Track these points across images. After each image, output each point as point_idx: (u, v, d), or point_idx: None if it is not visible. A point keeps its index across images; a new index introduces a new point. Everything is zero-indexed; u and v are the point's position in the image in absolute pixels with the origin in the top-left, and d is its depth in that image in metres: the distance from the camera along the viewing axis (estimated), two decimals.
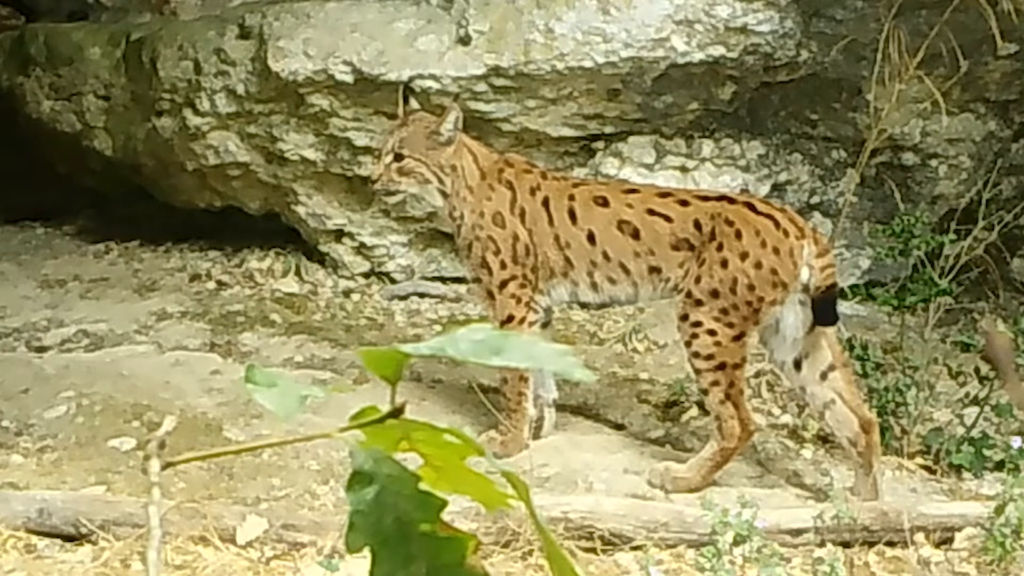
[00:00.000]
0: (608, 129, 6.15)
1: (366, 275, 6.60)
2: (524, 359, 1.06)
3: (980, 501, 4.53)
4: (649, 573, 4.07)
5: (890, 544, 4.29)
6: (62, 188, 7.54)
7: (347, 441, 1.07)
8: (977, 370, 5.08)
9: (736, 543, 4.08)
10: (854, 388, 4.80)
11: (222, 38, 6.49)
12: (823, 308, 4.66)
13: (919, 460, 5.04)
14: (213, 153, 6.60)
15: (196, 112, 6.54)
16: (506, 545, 4.11)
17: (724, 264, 4.67)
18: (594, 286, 4.89)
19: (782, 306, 4.65)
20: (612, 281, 4.87)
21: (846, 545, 4.29)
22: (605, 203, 4.88)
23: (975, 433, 5.03)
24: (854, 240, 6.37)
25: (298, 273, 6.64)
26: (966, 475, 4.94)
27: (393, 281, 6.53)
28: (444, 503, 1.06)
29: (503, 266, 4.91)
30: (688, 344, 4.71)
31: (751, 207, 4.78)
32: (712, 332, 4.65)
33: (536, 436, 4.96)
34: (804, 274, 4.64)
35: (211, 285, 6.58)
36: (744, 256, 4.67)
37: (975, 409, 5.04)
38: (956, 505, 4.52)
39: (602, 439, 5.06)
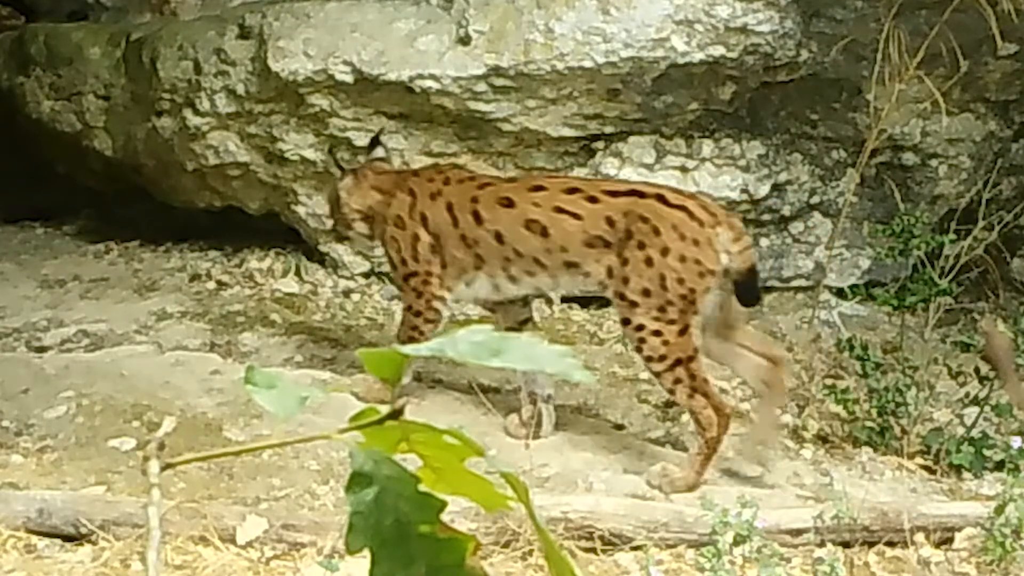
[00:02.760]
0: (608, 129, 6.15)
1: (366, 275, 6.60)
2: (523, 361, 1.06)
3: (980, 501, 4.53)
4: (649, 573, 4.07)
5: (890, 544, 4.29)
6: (62, 188, 7.54)
7: (347, 442, 1.08)
8: (977, 370, 5.08)
9: (736, 543, 4.08)
10: (754, 332, 4.98)
11: (222, 38, 6.49)
12: (746, 289, 4.75)
13: (919, 460, 5.05)
14: (213, 153, 6.60)
15: (196, 112, 6.55)
16: (506, 545, 4.11)
17: (649, 263, 4.72)
18: (512, 279, 5.02)
19: (715, 292, 4.72)
20: (530, 274, 4.98)
21: (846, 545, 4.29)
22: (510, 203, 4.99)
23: (975, 433, 5.03)
24: (854, 240, 6.36)
25: (298, 273, 6.64)
26: (966, 475, 4.94)
27: (393, 281, 6.53)
28: (444, 504, 1.06)
29: (404, 262, 5.20)
30: (639, 350, 4.77)
31: (662, 200, 4.81)
32: (657, 333, 4.69)
33: (536, 435, 4.96)
34: (724, 259, 4.71)
35: (211, 285, 6.58)
36: (666, 252, 4.71)
37: (975, 409, 5.04)
38: (956, 505, 4.51)
39: (602, 439, 5.06)
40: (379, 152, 5.51)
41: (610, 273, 4.80)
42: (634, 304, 4.72)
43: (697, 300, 4.70)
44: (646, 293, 4.71)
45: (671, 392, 4.77)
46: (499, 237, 5.00)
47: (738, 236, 4.76)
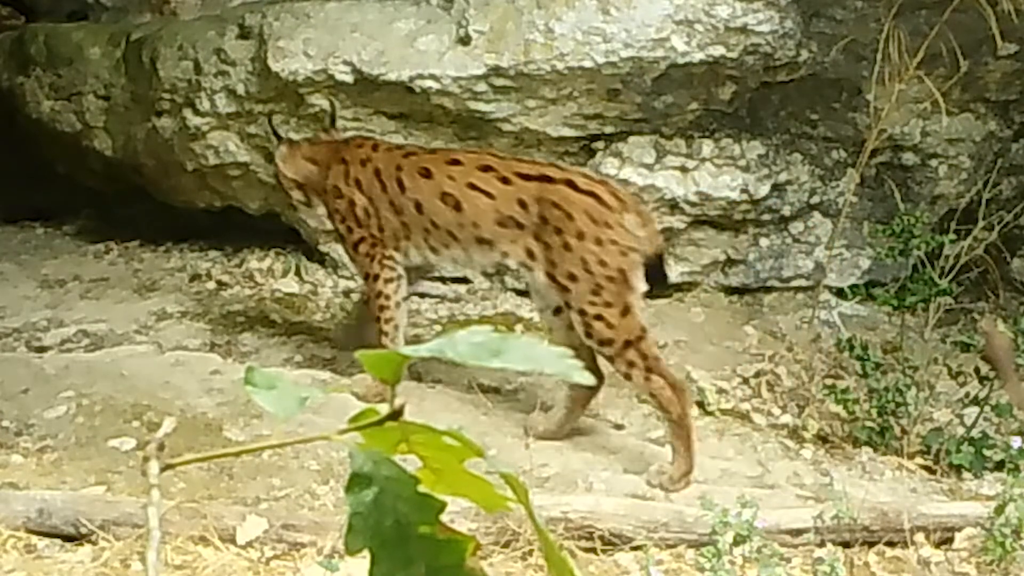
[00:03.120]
0: (608, 129, 6.15)
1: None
2: (523, 361, 1.06)
3: (980, 501, 4.53)
4: (649, 573, 4.07)
5: (890, 544, 4.29)
6: (62, 188, 7.54)
7: (346, 443, 1.08)
8: (977, 370, 5.08)
9: (736, 543, 4.08)
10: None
11: (222, 38, 6.49)
12: (653, 271, 4.84)
13: (919, 460, 5.05)
14: (213, 153, 6.60)
15: (196, 112, 6.55)
16: (506, 545, 4.11)
17: (567, 248, 4.81)
18: (433, 250, 5.18)
19: (640, 268, 4.78)
20: (446, 246, 5.13)
21: (846, 545, 4.29)
22: (428, 174, 5.15)
23: (975, 433, 5.03)
24: (854, 240, 6.36)
25: (298, 273, 6.64)
26: (966, 475, 4.94)
27: None
28: (443, 505, 1.06)
29: (350, 230, 5.34)
30: (588, 336, 4.80)
31: (572, 185, 4.90)
32: (599, 317, 4.76)
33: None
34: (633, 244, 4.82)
35: (211, 285, 6.58)
36: (581, 236, 4.80)
37: (975, 409, 5.04)
38: (956, 505, 4.52)
39: (602, 439, 5.06)
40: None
41: (531, 255, 4.90)
42: (565, 289, 4.82)
43: (629, 279, 4.77)
44: (572, 278, 4.79)
45: (627, 377, 4.80)
46: (419, 207, 5.15)
47: (646, 222, 4.87)
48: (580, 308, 4.79)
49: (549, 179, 4.93)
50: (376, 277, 5.28)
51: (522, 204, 4.91)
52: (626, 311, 4.75)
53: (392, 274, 5.27)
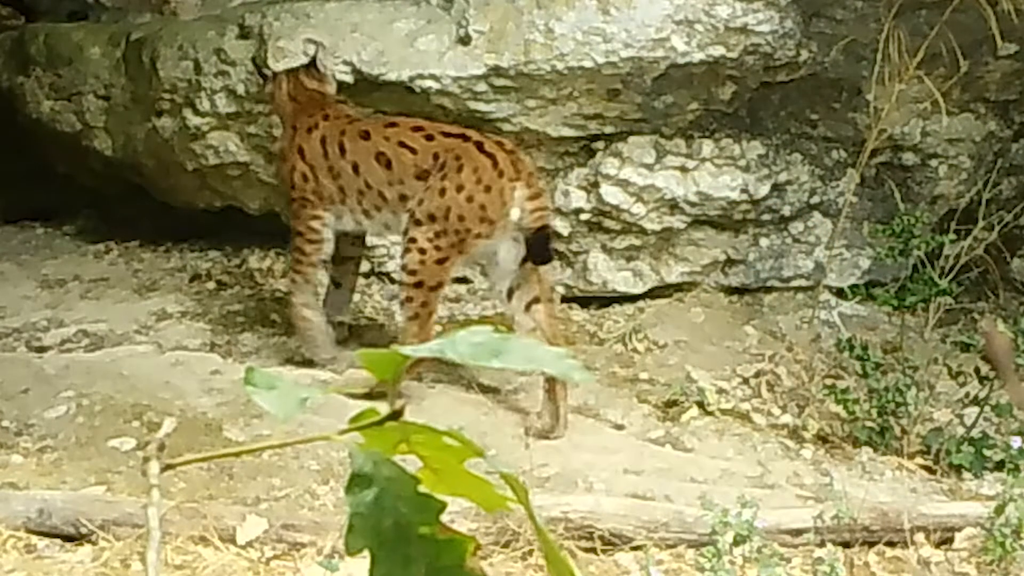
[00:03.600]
0: (608, 129, 6.15)
1: (366, 275, 6.59)
2: (523, 361, 1.06)
3: (980, 501, 4.53)
4: (649, 573, 4.08)
5: (890, 544, 4.29)
6: (62, 188, 7.53)
7: (346, 443, 1.08)
8: (977, 370, 5.08)
9: (736, 543, 4.08)
10: (554, 321, 5.33)
11: (222, 38, 6.49)
12: (536, 247, 5.09)
13: (919, 460, 5.05)
14: (213, 153, 6.60)
15: (196, 112, 6.54)
16: (506, 545, 4.11)
17: (442, 193, 5.17)
18: (366, 213, 5.47)
19: (490, 240, 5.13)
20: (377, 208, 5.42)
21: (846, 545, 4.29)
22: (367, 136, 5.47)
23: (975, 433, 5.03)
24: (854, 240, 6.36)
25: None
26: (966, 475, 4.94)
27: (393, 281, 6.52)
28: (443, 505, 1.06)
29: (291, 191, 5.63)
30: (402, 256, 5.24)
31: (479, 146, 5.25)
32: (422, 251, 5.15)
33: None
34: (515, 214, 5.10)
35: (211, 285, 6.58)
36: (460, 189, 5.15)
37: (975, 409, 5.04)
38: (956, 505, 4.52)
39: (602, 439, 5.06)
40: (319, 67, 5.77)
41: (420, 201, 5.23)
42: (418, 223, 5.17)
43: (467, 241, 5.14)
44: (431, 218, 5.16)
45: (401, 304, 5.24)
46: (356, 168, 5.44)
47: (534, 195, 5.14)
48: (413, 236, 5.15)
49: (465, 138, 5.30)
50: (300, 234, 5.59)
51: (436, 157, 5.26)
52: (443, 261, 5.13)
53: (315, 236, 5.55)
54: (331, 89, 5.75)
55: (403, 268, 5.21)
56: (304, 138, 5.62)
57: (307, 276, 5.61)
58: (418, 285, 5.13)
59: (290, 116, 5.71)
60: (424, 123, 5.52)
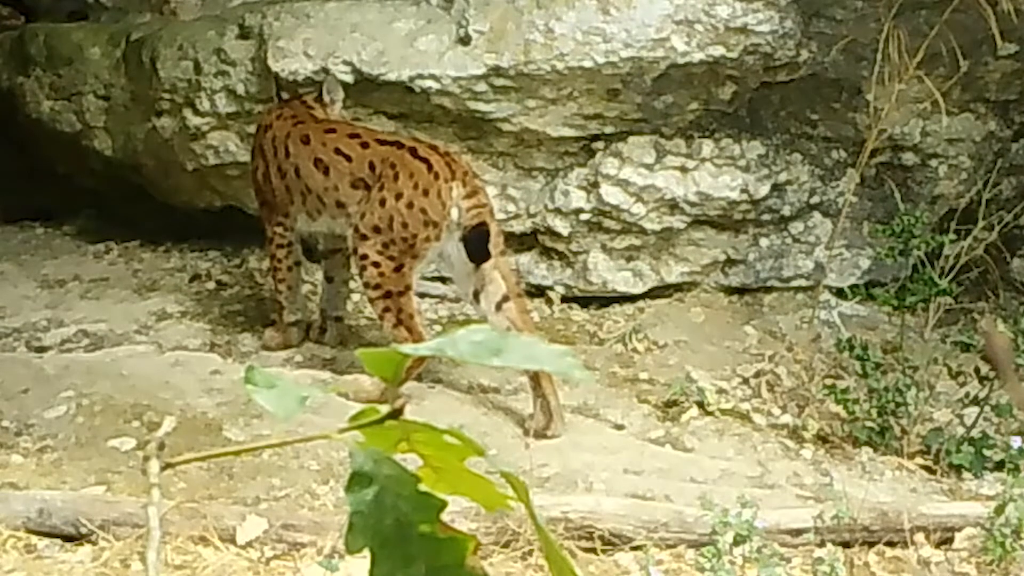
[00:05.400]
0: (608, 129, 6.15)
1: None
2: (524, 360, 1.06)
3: (980, 501, 4.53)
4: (649, 573, 4.07)
5: (890, 544, 4.29)
6: (62, 188, 7.53)
7: (347, 442, 1.08)
8: (977, 370, 5.08)
9: (736, 543, 4.08)
10: (527, 316, 5.32)
11: (222, 38, 6.49)
12: (473, 245, 5.14)
13: (919, 460, 5.05)
14: (213, 153, 6.60)
15: (196, 112, 6.54)
16: (506, 545, 4.11)
17: (383, 203, 5.24)
18: (310, 215, 5.56)
19: (439, 242, 5.20)
20: (319, 212, 5.50)
21: (846, 545, 4.29)
22: (308, 141, 5.54)
23: (975, 433, 5.03)
24: (854, 240, 6.36)
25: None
26: (966, 475, 4.94)
27: None
28: (444, 504, 1.06)
29: (257, 194, 5.75)
30: (360, 276, 5.31)
31: (413, 151, 5.30)
32: (376, 264, 5.21)
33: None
34: (454, 213, 5.16)
35: (211, 285, 6.58)
36: (399, 196, 5.21)
37: (975, 409, 5.04)
38: (956, 505, 4.52)
39: (602, 439, 5.06)
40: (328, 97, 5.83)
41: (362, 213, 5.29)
42: (364, 237, 5.24)
43: (417, 245, 5.19)
44: (376, 230, 5.22)
45: (380, 319, 5.28)
46: (297, 171, 5.54)
47: (470, 193, 5.19)
48: (364, 253, 5.22)
49: (399, 145, 5.37)
50: (271, 241, 5.71)
51: (372, 166, 5.31)
52: (400, 268, 5.19)
53: (282, 240, 5.66)
54: (331, 116, 5.79)
55: (366, 286, 5.29)
56: (261, 137, 5.75)
57: (288, 282, 5.74)
58: (386, 296, 5.20)
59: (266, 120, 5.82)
60: (361, 130, 5.61)
